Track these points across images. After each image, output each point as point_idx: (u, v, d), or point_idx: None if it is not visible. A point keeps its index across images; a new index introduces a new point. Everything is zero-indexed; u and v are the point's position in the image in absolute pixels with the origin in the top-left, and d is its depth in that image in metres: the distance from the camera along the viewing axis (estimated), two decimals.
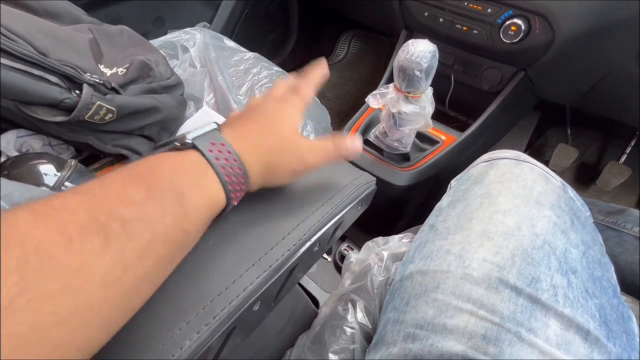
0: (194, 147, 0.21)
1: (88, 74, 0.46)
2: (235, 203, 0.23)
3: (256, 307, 0.23)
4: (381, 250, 0.40)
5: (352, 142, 0.27)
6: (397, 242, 0.42)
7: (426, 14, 0.62)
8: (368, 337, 0.35)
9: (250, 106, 0.27)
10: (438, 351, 0.25)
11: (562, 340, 0.24)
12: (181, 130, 0.57)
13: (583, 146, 0.96)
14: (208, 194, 0.21)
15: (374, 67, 1.28)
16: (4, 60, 0.39)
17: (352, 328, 0.35)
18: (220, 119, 0.26)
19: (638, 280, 0.49)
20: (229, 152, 0.22)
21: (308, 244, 0.25)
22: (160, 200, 0.18)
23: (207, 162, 0.21)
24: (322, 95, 1.25)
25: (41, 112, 0.41)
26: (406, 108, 0.45)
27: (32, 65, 0.40)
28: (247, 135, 0.24)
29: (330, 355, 0.34)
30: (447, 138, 0.61)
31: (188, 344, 0.19)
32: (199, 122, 0.56)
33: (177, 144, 0.22)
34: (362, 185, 0.30)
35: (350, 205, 0.29)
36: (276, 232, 0.25)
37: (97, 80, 0.46)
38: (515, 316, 0.25)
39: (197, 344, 0.19)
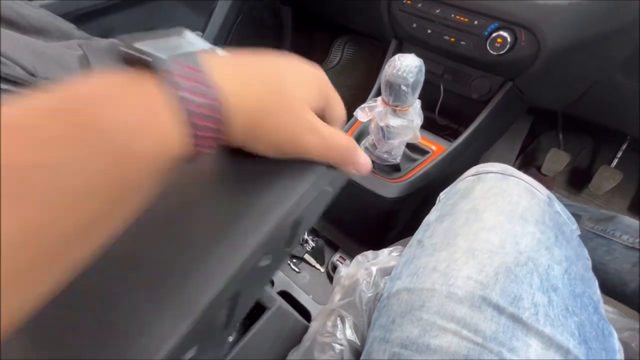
0: (154, 66, 0.15)
1: None
2: (209, 151, 0.17)
3: (191, 354, 0.17)
4: (370, 265, 0.40)
5: (366, 159, 0.21)
6: (386, 257, 0.42)
7: (414, 25, 0.63)
8: (357, 353, 0.35)
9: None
10: None
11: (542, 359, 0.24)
12: None
13: (575, 151, 0.97)
14: (157, 136, 0.15)
15: (368, 73, 1.29)
16: None
17: (341, 345, 0.35)
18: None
19: (626, 289, 0.49)
20: (201, 77, 0.16)
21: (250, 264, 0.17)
22: (81, 143, 0.13)
23: (167, 88, 0.15)
24: None
25: None
26: (394, 122, 0.46)
27: (20, 86, 0.40)
28: (240, 66, 0.18)
29: None
30: (437, 148, 0.62)
31: None
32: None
33: (134, 53, 0.15)
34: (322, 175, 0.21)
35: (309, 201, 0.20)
36: (203, 263, 0.17)
37: None
38: (497, 336, 0.25)
39: None
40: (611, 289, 0.50)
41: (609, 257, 0.53)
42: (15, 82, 0.40)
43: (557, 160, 0.91)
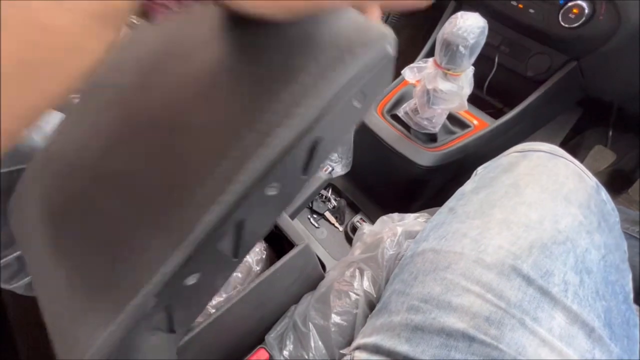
0: None
1: None
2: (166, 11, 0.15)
3: (191, 282, 0.16)
4: (395, 226, 0.40)
5: None
6: (412, 221, 0.42)
7: None
8: (371, 305, 0.36)
9: None
10: (439, 325, 0.26)
11: (565, 333, 0.24)
12: None
13: (622, 151, 0.91)
14: None
15: (412, 41, 1.21)
16: None
17: (357, 294, 0.37)
18: None
19: None
20: None
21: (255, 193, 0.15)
22: None
23: None
24: None
25: None
26: (443, 86, 0.44)
27: None
28: None
29: (333, 316, 0.36)
30: (479, 123, 0.59)
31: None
32: None
33: None
34: (372, 60, 0.15)
35: (342, 103, 0.15)
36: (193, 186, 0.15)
37: None
38: (522, 304, 0.25)
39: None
40: (636, 290, 0.49)
41: (638, 258, 0.51)
42: None
43: (600, 158, 0.86)
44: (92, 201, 0.17)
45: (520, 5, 0.54)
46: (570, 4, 0.49)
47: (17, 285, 0.35)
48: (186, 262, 0.15)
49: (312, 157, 0.16)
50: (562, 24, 0.50)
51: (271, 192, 0.15)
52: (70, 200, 0.18)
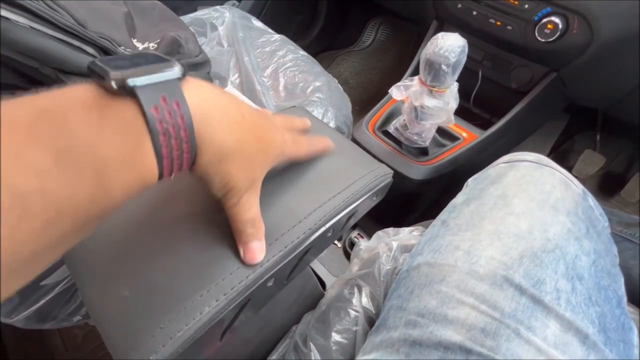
0: (133, 95, 0.15)
1: (122, 47, 0.47)
2: (171, 177, 0.18)
3: (270, 284, 0.24)
4: (391, 241, 0.41)
5: (257, 248, 0.23)
6: (407, 234, 0.43)
7: (459, 5, 0.60)
8: (370, 321, 0.37)
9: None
10: (437, 339, 0.26)
11: (560, 341, 0.25)
12: None
13: (611, 154, 0.93)
14: (139, 173, 0.16)
15: (400, 57, 1.25)
16: (47, 30, 0.41)
17: (356, 311, 0.37)
18: (246, 102, 0.25)
19: None
20: (182, 118, 0.16)
21: (322, 229, 0.26)
22: (73, 176, 0.13)
23: (145, 125, 0.15)
24: (345, 82, 1.24)
25: (79, 81, 0.43)
26: (429, 102, 0.45)
27: (72, 35, 0.42)
28: (228, 112, 0.19)
29: (333, 335, 0.36)
30: (468, 135, 0.61)
31: (207, 309, 0.21)
32: None
33: (113, 83, 0.15)
34: (379, 176, 0.31)
35: (366, 196, 0.30)
36: (293, 215, 0.26)
37: None
38: (516, 314, 0.26)
39: (215, 311, 0.21)
40: (632, 292, 0.49)
41: (634, 261, 0.52)
42: (67, 30, 0.42)
43: (590, 162, 0.88)
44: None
45: (498, 23, 0.57)
46: (544, 20, 0.51)
47: (17, 319, 0.35)
48: (275, 266, 0.23)
49: (349, 219, 0.30)
50: (539, 38, 0.53)
51: (329, 234, 0.27)
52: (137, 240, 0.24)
